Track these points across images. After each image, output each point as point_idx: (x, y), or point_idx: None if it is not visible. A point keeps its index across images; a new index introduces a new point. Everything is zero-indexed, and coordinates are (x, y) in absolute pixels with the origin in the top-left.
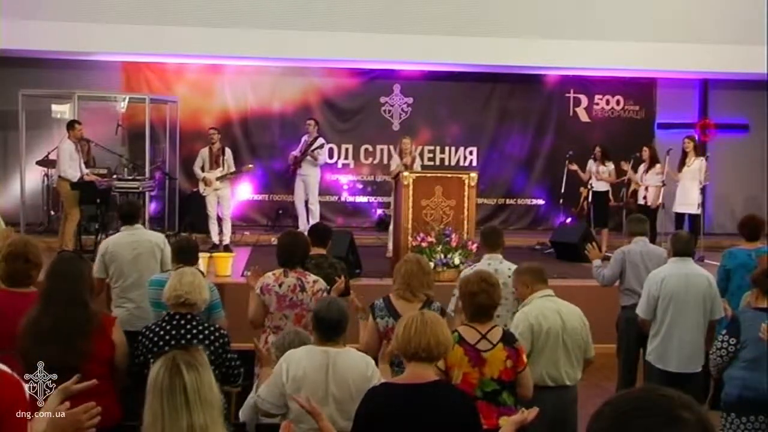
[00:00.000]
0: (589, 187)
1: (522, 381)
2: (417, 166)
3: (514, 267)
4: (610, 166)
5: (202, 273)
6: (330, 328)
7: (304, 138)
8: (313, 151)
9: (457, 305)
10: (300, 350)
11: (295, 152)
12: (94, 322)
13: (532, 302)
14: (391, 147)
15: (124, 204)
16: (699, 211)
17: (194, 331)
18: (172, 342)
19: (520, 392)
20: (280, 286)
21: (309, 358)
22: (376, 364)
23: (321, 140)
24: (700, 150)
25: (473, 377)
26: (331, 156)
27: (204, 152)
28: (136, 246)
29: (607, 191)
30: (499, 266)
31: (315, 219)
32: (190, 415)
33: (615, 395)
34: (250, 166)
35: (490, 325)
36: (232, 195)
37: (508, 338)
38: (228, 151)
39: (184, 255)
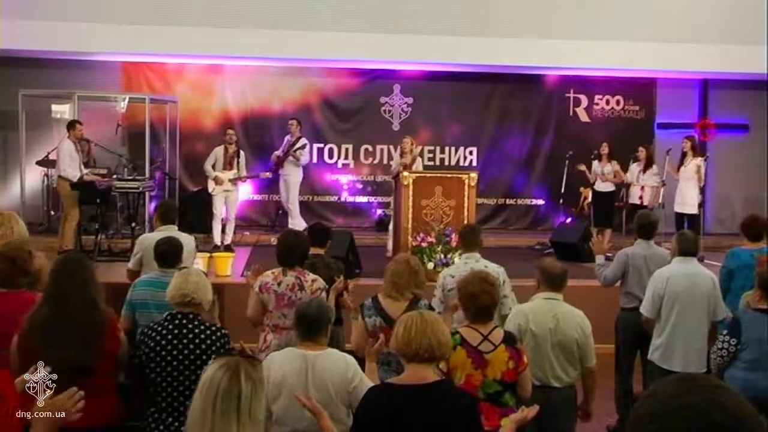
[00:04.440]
0: (591, 187)
1: (522, 382)
2: (418, 165)
3: (491, 265)
4: (615, 165)
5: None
6: (310, 326)
7: (287, 138)
8: (295, 151)
9: (446, 304)
10: (280, 353)
11: (278, 152)
12: (107, 321)
13: (532, 301)
14: (391, 147)
15: (164, 203)
16: (698, 211)
17: (196, 330)
18: (175, 341)
19: (519, 393)
20: (279, 284)
21: (288, 361)
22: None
23: (303, 140)
24: (699, 150)
25: (476, 379)
26: (331, 156)
27: (218, 151)
28: None
29: (612, 191)
30: (474, 265)
31: (293, 219)
32: (239, 425)
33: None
34: (268, 173)
35: (491, 326)
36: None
37: (509, 339)
38: (243, 154)
39: (166, 257)
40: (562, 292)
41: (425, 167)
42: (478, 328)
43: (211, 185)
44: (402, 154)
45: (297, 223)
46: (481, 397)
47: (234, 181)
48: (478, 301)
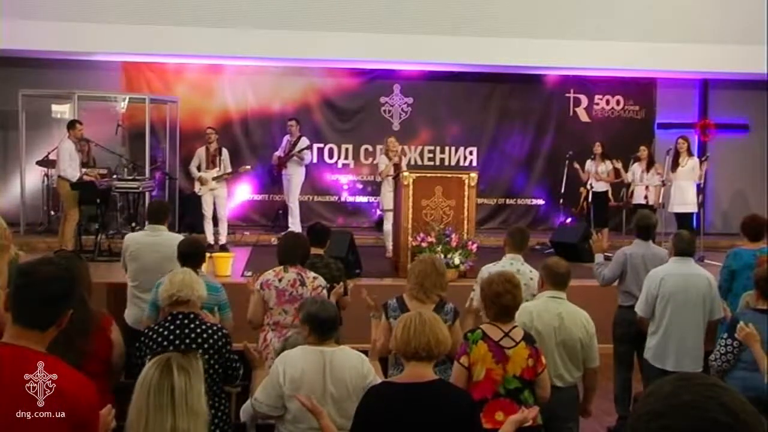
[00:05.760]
0: (588, 187)
1: (540, 382)
2: (403, 164)
3: (534, 270)
4: (609, 165)
5: (197, 272)
6: (326, 328)
7: (286, 138)
8: (300, 152)
9: (470, 305)
10: (295, 351)
11: (278, 153)
12: (94, 321)
13: (537, 299)
14: None
15: (153, 203)
16: (697, 211)
17: (198, 330)
18: (176, 342)
19: (539, 393)
20: (279, 281)
21: (305, 358)
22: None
23: (305, 140)
24: (698, 150)
25: (496, 373)
26: (331, 156)
27: (201, 152)
28: (158, 248)
29: (607, 191)
30: (521, 267)
31: (295, 217)
32: (174, 418)
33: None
34: (248, 167)
35: (512, 325)
36: (229, 195)
37: (529, 338)
38: (225, 151)
39: (189, 257)
40: (566, 291)
41: (425, 167)
42: (499, 326)
43: (197, 186)
44: (388, 155)
45: (296, 222)
46: (501, 392)
47: (218, 179)
48: (502, 301)
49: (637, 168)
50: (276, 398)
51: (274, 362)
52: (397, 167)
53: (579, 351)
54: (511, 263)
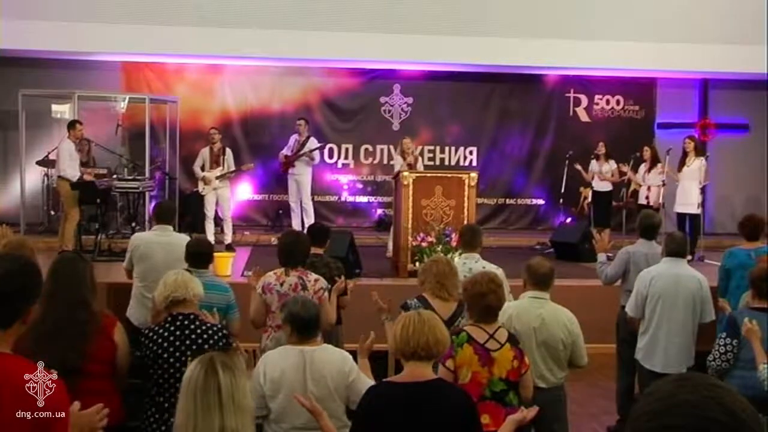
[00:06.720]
0: (590, 187)
1: (524, 382)
2: (420, 165)
3: (490, 266)
4: (612, 165)
5: (190, 271)
6: (309, 327)
7: (295, 137)
8: (311, 151)
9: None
10: (276, 351)
11: (286, 152)
12: (96, 322)
13: (519, 300)
14: (391, 147)
15: (162, 203)
16: (699, 211)
17: (198, 331)
18: (177, 343)
19: (522, 393)
20: (281, 284)
21: (285, 358)
22: None
23: (315, 141)
24: (701, 150)
25: (482, 376)
26: (331, 156)
27: (204, 152)
28: (169, 248)
29: (610, 191)
30: (474, 265)
31: (310, 217)
32: (222, 417)
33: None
34: (251, 165)
35: (496, 326)
36: (232, 195)
37: (513, 339)
38: (228, 151)
39: (197, 257)
40: (549, 291)
41: (425, 167)
42: (483, 327)
43: (200, 186)
44: (403, 155)
45: (311, 221)
46: (487, 395)
47: (222, 178)
48: (485, 301)
49: (642, 168)
50: (257, 398)
51: (257, 363)
52: (411, 167)
53: (561, 351)
54: (464, 263)
